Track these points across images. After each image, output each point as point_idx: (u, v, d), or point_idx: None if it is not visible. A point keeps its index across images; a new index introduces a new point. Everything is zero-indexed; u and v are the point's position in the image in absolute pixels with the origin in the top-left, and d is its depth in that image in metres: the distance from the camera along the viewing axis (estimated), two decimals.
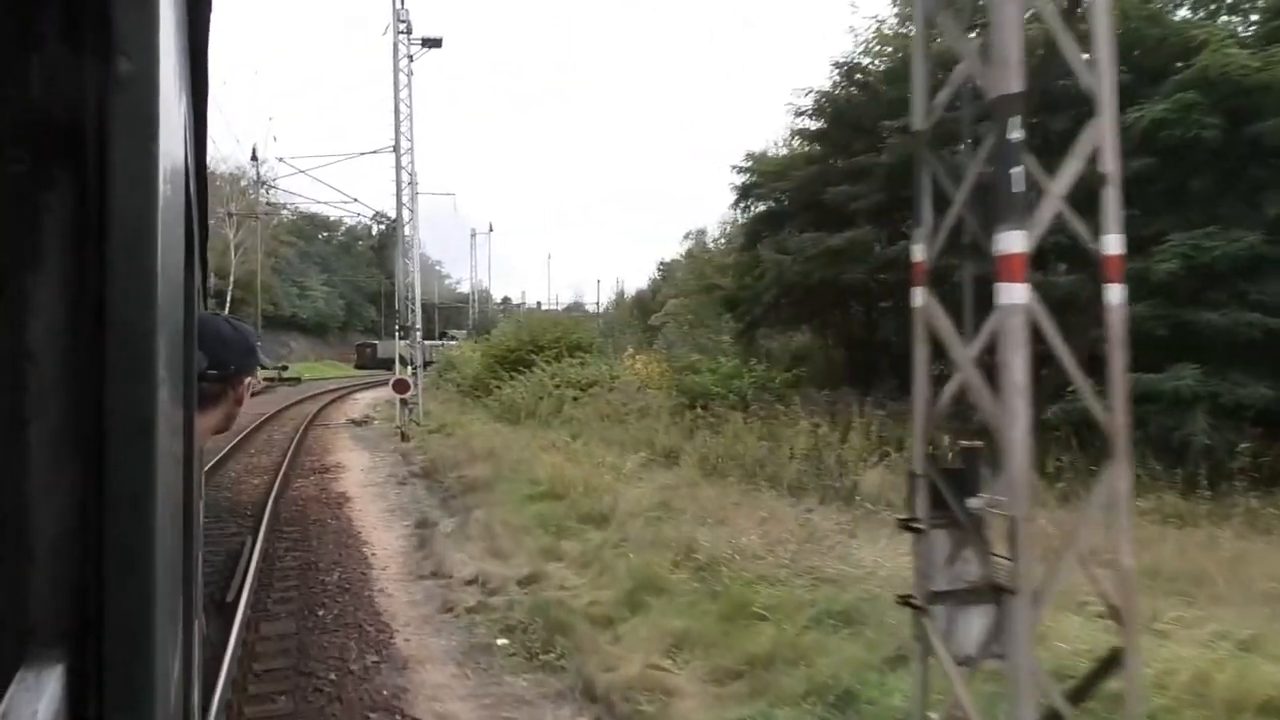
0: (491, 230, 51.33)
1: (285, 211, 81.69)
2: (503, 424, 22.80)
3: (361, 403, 35.39)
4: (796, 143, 19.86)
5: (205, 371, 1.82)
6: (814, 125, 19.04)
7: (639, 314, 62.10)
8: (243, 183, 79.51)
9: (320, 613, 7.58)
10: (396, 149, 22.56)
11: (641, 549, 8.55)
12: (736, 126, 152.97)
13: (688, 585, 7.29)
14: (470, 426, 20.65)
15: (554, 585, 8.04)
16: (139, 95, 0.53)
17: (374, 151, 22.94)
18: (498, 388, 25.55)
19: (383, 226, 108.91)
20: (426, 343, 50.19)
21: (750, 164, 20.37)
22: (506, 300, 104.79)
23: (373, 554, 9.62)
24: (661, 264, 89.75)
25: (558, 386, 24.20)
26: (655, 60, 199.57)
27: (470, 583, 8.31)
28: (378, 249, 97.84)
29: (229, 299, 69.03)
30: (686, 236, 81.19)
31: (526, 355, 26.57)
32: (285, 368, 47.78)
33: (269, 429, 23.81)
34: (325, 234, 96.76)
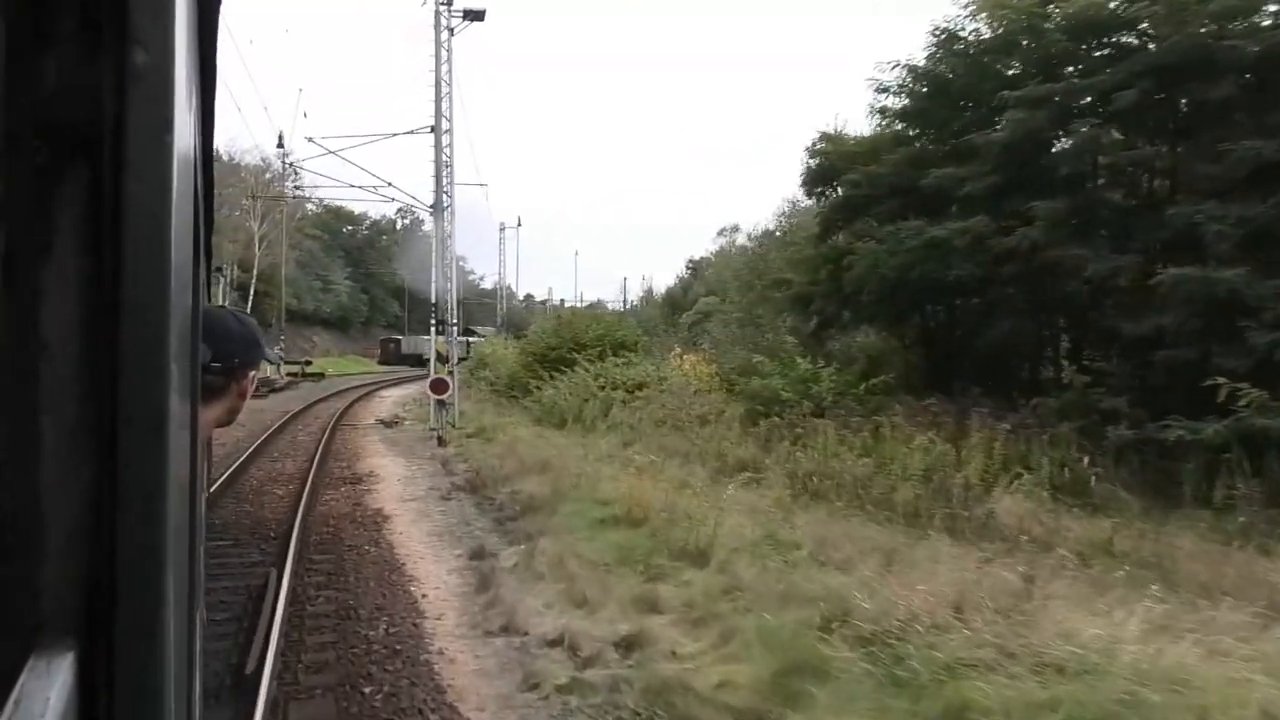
0: (520, 225, 49.52)
1: (310, 205, 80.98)
2: (546, 428, 21.05)
3: (389, 401, 33.79)
4: (877, 122, 17.86)
5: (209, 364, 1.81)
6: (901, 103, 17.08)
7: (669, 312, 60.33)
8: (267, 175, 78.70)
9: (367, 689, 5.80)
10: (436, 130, 20.85)
11: (768, 603, 6.73)
12: (770, 122, 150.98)
13: (857, 667, 5.44)
14: (512, 431, 18.90)
15: (663, 652, 6.23)
16: (154, 89, 0.53)
17: (410, 132, 21.26)
18: (537, 388, 23.80)
19: (406, 221, 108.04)
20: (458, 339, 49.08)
21: (825, 146, 18.33)
22: (529, 297, 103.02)
23: (423, 595, 7.84)
24: (690, 262, 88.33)
25: (602, 388, 22.43)
26: (681, 53, 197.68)
27: (553, 644, 6.50)
28: (402, 243, 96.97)
29: (252, 292, 67.95)
30: (721, 233, 79.57)
31: (567, 354, 24.80)
32: (309, 363, 46.33)
33: (293, 429, 22.17)
34: (349, 227, 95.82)
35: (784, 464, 12.94)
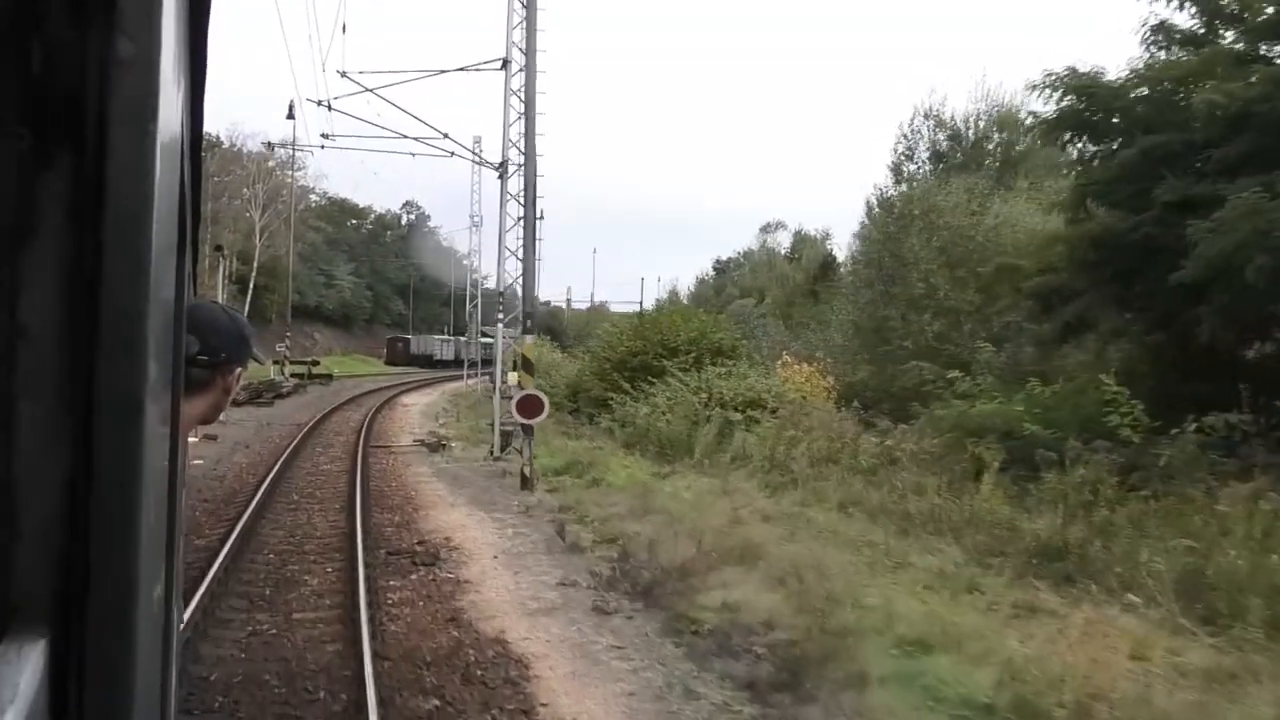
0: (543, 217, 44.77)
1: (314, 196, 75.95)
2: (643, 457, 16.07)
3: (415, 410, 28.76)
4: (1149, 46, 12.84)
5: (195, 356, 1.78)
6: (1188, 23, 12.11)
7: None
8: (270, 163, 73.78)
9: None
10: (506, 65, 15.85)
11: None
12: (785, 120, 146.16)
13: None
14: (616, 467, 13.91)
15: None
16: (139, 76, 0.53)
17: (470, 68, 16.31)
18: (617, 404, 18.79)
19: (412, 216, 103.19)
20: (470, 339, 43.94)
21: (1077, 82, 13.06)
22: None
23: None
24: (718, 262, 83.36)
25: (706, 404, 17.47)
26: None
27: None
28: (406, 238, 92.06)
29: (251, 285, 62.95)
30: (765, 229, 74.67)
31: (654, 361, 19.84)
32: (316, 363, 41.22)
33: (312, 452, 17.12)
34: (353, 221, 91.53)
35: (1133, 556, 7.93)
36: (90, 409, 0.52)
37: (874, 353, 21.19)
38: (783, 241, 70.57)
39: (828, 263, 54.71)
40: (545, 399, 12.61)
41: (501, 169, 15.93)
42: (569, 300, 74.15)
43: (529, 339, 13.31)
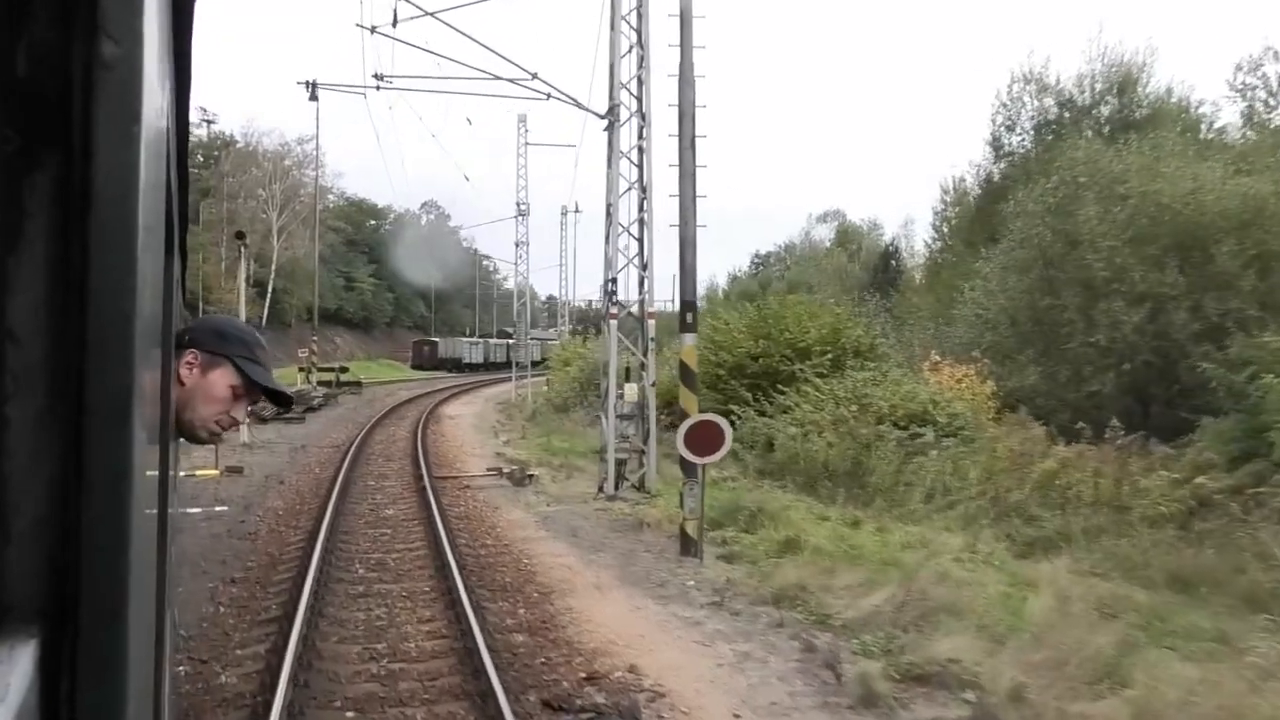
0: (578, 210, 40.72)
1: (331, 196, 72.65)
2: (789, 490, 12.24)
3: (464, 423, 24.98)
4: None
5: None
6: None
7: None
8: (286, 161, 70.45)
9: None
10: None
11: None
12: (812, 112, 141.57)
13: None
14: (792, 515, 10.04)
15: None
16: (122, 78, 0.53)
17: None
18: (741, 419, 14.91)
19: (431, 216, 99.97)
20: (518, 340, 40.24)
21: None
22: (551, 299, 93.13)
23: None
24: (757, 256, 79.36)
25: (858, 419, 13.62)
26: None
27: None
28: (428, 239, 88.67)
29: (270, 288, 59.60)
30: (824, 219, 70.72)
31: (780, 364, 15.95)
32: (344, 369, 37.46)
33: (364, 488, 13.27)
34: (373, 221, 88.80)
35: None
36: (80, 410, 0.51)
37: (1044, 350, 17.23)
38: (823, 235, 66.69)
39: (889, 253, 50.81)
40: (727, 427, 8.74)
41: (610, 117, 12.10)
42: (591, 300, 70.06)
43: (689, 339, 9.40)
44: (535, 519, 10.99)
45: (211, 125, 68.74)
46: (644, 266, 12.46)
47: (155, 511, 0.87)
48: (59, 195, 0.51)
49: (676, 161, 9.13)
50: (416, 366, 66.58)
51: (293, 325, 64.62)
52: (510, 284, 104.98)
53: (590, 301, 56.84)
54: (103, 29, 0.51)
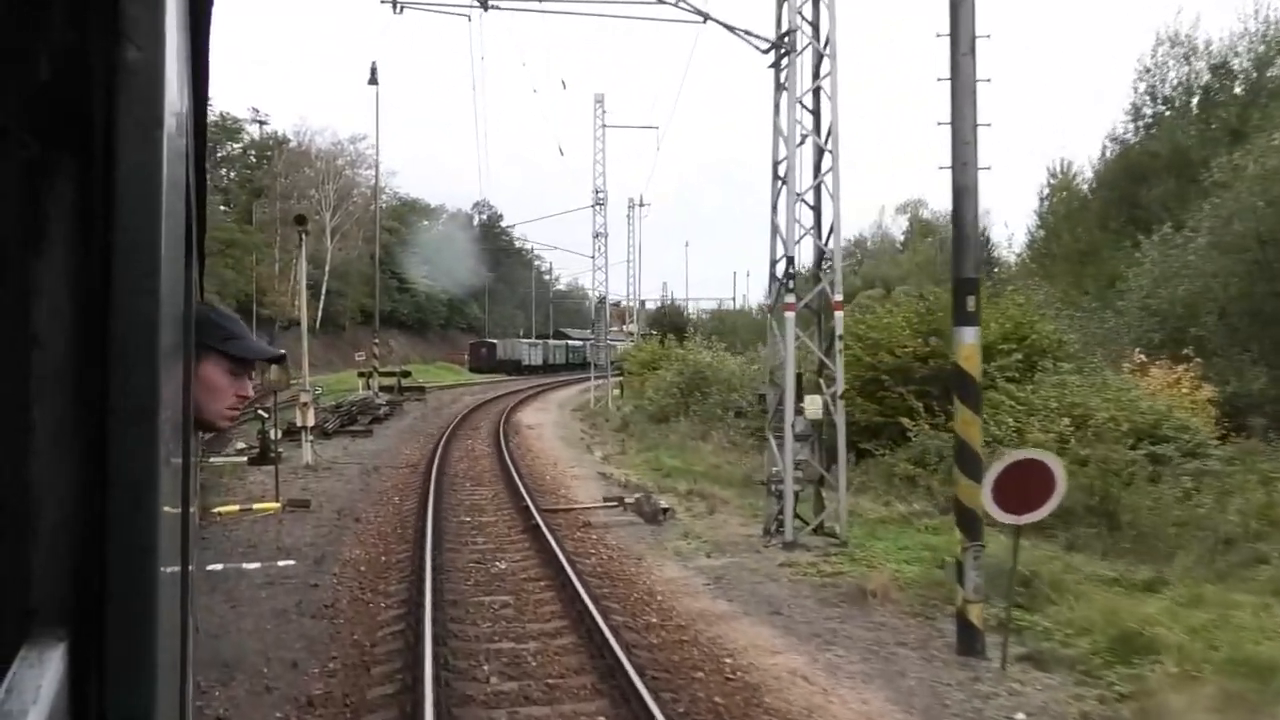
0: (643, 204, 37.96)
1: (384, 195, 71.03)
2: (1044, 541, 9.22)
3: (547, 435, 22.26)
4: None
5: None
6: None
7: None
8: (339, 160, 68.85)
9: None
10: None
11: None
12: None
13: None
14: (1084, 587, 7.06)
15: None
16: (145, 83, 0.52)
17: None
18: (916, 437, 11.90)
19: (484, 216, 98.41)
20: (553, 343, 37.42)
21: None
22: (602, 299, 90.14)
23: None
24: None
25: (1065, 440, 10.55)
26: None
27: None
28: (481, 239, 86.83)
29: (324, 290, 57.91)
30: (903, 209, 67.16)
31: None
32: (406, 373, 35.03)
33: (460, 529, 10.44)
34: (425, 222, 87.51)
35: None
36: (103, 415, 0.51)
37: (1274, 347, 13.98)
38: (894, 227, 63.24)
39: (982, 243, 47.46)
40: (1060, 469, 5.79)
41: (780, 48, 9.17)
42: (668, 298, 67.07)
43: (968, 335, 6.40)
44: (703, 580, 8.14)
45: (264, 126, 67.37)
46: (824, 240, 9.58)
47: (179, 512, 0.85)
48: (80, 200, 0.50)
49: (948, 74, 6.24)
50: (474, 369, 64.57)
51: (346, 328, 62.85)
52: (563, 284, 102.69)
53: (643, 301, 54.07)
54: (125, 33, 0.51)
